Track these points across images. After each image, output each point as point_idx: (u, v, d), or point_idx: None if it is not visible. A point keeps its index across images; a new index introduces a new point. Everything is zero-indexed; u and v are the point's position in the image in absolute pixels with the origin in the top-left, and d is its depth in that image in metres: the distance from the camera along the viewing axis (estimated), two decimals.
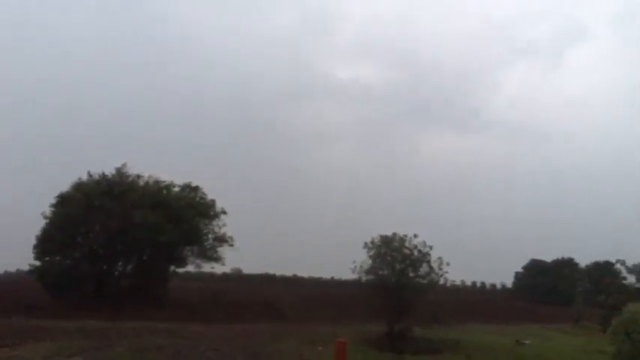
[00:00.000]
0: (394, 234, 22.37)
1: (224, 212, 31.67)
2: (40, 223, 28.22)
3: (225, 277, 63.52)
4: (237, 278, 67.34)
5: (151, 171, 31.49)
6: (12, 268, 51.34)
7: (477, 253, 74.96)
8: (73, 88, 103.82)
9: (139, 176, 30.64)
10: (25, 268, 29.28)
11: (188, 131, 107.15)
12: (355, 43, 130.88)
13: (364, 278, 22.20)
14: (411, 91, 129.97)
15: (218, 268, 39.97)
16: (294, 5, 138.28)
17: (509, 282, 77.33)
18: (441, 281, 22.34)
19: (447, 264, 21.66)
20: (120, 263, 30.03)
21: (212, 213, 31.47)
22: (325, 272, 73.86)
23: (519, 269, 72.82)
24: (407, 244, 22.06)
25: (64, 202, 28.49)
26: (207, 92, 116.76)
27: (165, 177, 31.63)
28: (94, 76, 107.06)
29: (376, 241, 22.26)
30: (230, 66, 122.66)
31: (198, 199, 31.71)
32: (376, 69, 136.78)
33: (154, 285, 30.04)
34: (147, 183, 30.82)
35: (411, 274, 21.92)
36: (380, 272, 22.17)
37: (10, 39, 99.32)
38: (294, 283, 69.57)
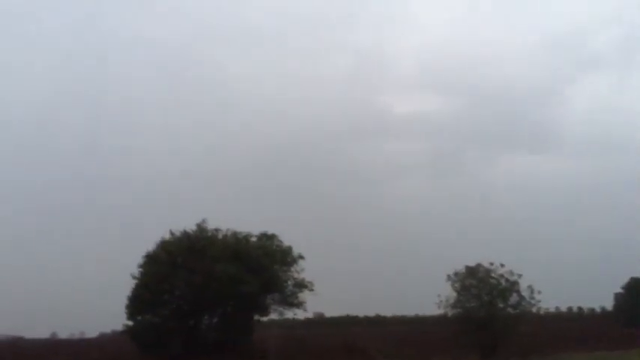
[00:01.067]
0: (479, 264, 21.60)
1: (301, 257, 31.84)
2: (130, 284, 29.57)
3: (307, 322, 63.24)
4: (319, 322, 66.94)
5: (228, 224, 32.32)
6: (107, 330, 53.66)
7: (571, 277, 70.75)
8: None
9: (217, 230, 31.50)
10: (119, 328, 30.49)
11: (257, 179, 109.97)
12: (414, 75, 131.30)
13: (450, 313, 21.44)
14: (474, 115, 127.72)
15: (300, 314, 39.85)
16: (348, 47, 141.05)
17: (609, 305, 72.02)
18: (534, 310, 21.18)
19: (539, 292, 20.58)
20: (206, 317, 30.64)
21: (289, 259, 31.72)
22: (409, 309, 72.06)
23: (619, 289, 67.67)
24: (493, 274, 21.19)
25: (150, 261, 29.69)
26: (269, 140, 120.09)
27: (241, 228, 32.37)
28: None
29: (460, 272, 21.53)
30: (291, 114, 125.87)
31: (275, 246, 32.12)
32: (439, 97, 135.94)
33: (239, 336, 30.32)
34: (225, 236, 31.61)
35: (501, 305, 20.96)
36: (467, 305, 21.34)
37: None
38: (377, 322, 68.20)
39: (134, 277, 29.63)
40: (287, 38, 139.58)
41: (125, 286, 29.53)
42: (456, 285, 21.22)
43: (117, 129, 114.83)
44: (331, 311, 68.40)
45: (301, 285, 31.59)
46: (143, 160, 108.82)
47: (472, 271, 21.28)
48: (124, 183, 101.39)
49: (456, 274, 21.40)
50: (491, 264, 20.99)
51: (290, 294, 31.67)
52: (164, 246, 30.28)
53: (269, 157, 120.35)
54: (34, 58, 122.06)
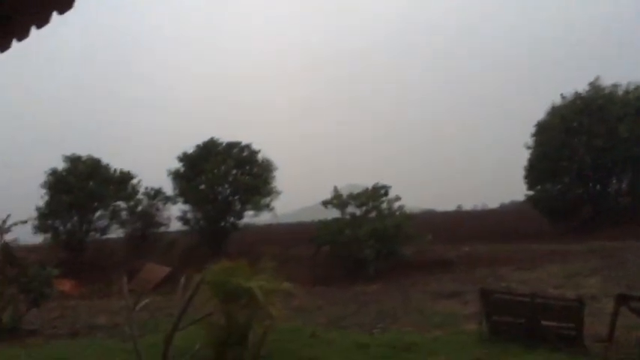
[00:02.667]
0: None
1: None
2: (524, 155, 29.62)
3: None
4: None
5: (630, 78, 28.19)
6: (506, 201, 55.83)
7: None
8: None
9: (615, 85, 27.88)
10: (518, 198, 31.14)
11: None
12: None
13: None
14: None
15: None
16: None
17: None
18: None
19: None
20: (613, 181, 28.27)
21: None
22: None
23: None
24: None
25: (543, 129, 28.83)
26: None
27: None
28: None
29: None
30: None
31: None
32: None
33: None
34: (626, 92, 27.72)
35: None
36: None
37: None
38: None
39: (528, 148, 29.42)
40: None
41: (513, 160, 29.70)
42: None
43: None
44: None
45: None
46: None
47: None
48: None
49: None
50: None
51: None
52: (556, 112, 28.75)
53: None
54: None
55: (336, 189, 24.56)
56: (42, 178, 28.27)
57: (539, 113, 30.01)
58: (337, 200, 24.03)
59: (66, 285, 22.08)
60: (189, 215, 28.93)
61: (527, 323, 10.73)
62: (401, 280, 19.45)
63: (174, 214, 29.76)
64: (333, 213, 24.59)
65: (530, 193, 29.45)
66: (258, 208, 28.64)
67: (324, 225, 23.96)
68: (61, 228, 27.95)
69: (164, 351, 4.27)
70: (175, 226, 30.21)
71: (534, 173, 28.95)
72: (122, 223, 29.56)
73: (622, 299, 9.77)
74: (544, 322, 10.52)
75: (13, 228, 22.98)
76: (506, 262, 19.89)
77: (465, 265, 20.12)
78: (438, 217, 42.82)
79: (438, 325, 12.88)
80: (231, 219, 28.78)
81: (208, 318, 10.39)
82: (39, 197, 28.10)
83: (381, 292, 17.93)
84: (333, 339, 12.06)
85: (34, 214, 27.37)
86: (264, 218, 32.45)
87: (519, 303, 11.33)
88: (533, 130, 29.56)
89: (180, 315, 4.38)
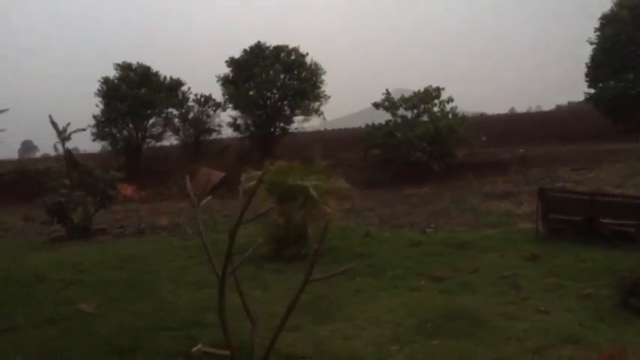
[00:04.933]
0: None
1: None
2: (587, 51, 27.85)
3: None
4: None
5: None
6: (563, 102, 53.51)
7: None
8: None
9: None
10: (577, 99, 29.68)
11: None
12: None
13: None
14: None
15: None
16: None
17: None
18: None
19: None
20: None
21: None
22: None
23: None
24: None
25: (607, 23, 26.82)
26: None
27: None
28: None
29: None
30: None
31: None
32: None
33: None
34: None
35: None
36: None
37: None
38: None
39: (591, 43, 27.58)
40: None
41: (574, 58, 27.96)
42: None
43: None
44: None
45: None
46: None
47: None
48: None
49: None
50: None
51: None
52: (624, 3, 26.52)
53: None
54: None
55: (387, 91, 24.03)
56: (96, 86, 28.94)
57: (606, 4, 27.84)
58: (389, 102, 23.58)
59: (127, 189, 23.17)
60: (240, 121, 29.24)
61: (585, 221, 10.57)
62: (453, 183, 19.33)
63: (225, 121, 30.17)
64: (384, 118, 24.25)
65: (591, 91, 28.02)
66: (307, 112, 28.58)
67: (374, 128, 23.74)
68: (118, 135, 28.90)
69: (229, 244, 4.41)
70: (227, 132, 30.73)
71: (597, 70, 27.37)
72: (175, 130, 30.26)
73: None
74: (603, 220, 10.34)
75: (73, 136, 23.94)
76: (563, 162, 19.40)
77: (519, 167, 19.72)
78: (491, 119, 41.74)
79: (492, 224, 12.87)
80: (281, 124, 28.93)
81: (266, 217, 10.73)
82: (94, 106, 28.95)
83: (432, 194, 17.95)
84: (386, 238, 12.31)
85: (92, 122, 28.35)
86: (313, 124, 32.47)
87: (578, 201, 11.13)
88: (597, 24, 27.56)
89: (243, 210, 4.47)
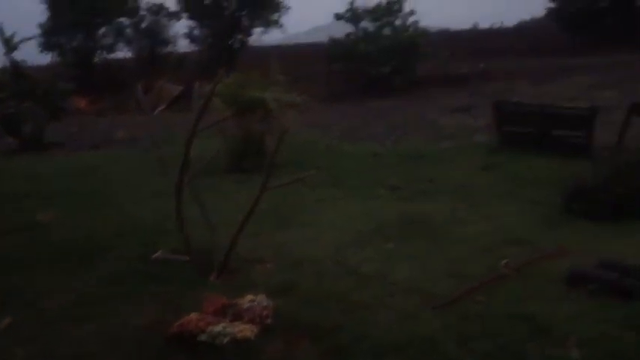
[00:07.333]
0: None
1: None
2: None
3: None
4: None
5: None
6: (526, 16, 53.07)
7: None
8: None
9: None
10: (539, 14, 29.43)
11: None
12: None
13: None
14: None
15: None
16: None
17: None
18: None
19: None
20: None
21: None
22: None
23: None
24: None
25: None
26: None
27: None
28: None
29: None
30: None
31: None
32: None
33: None
34: None
35: None
36: None
37: None
38: None
39: None
40: None
41: None
42: None
43: None
44: None
45: None
46: None
47: None
48: None
49: None
50: None
51: None
52: None
53: None
54: None
55: (351, 3, 23.28)
56: None
57: None
58: (351, 13, 22.95)
59: (81, 102, 22.33)
60: (196, 32, 28.08)
61: (537, 132, 10.92)
62: (415, 97, 19.41)
63: (181, 32, 28.92)
64: (347, 31, 23.65)
65: (552, 5, 27.85)
66: (267, 24, 27.64)
67: (337, 41, 23.22)
68: (67, 46, 27.40)
69: (184, 154, 4.38)
70: (184, 46, 29.53)
71: None
72: (128, 41, 28.86)
73: (636, 108, 9.72)
74: (554, 132, 10.69)
75: (20, 46, 22.55)
76: (523, 76, 19.58)
77: (480, 81, 19.87)
78: (454, 35, 41.21)
79: (449, 137, 13.15)
80: (239, 37, 27.95)
81: (223, 129, 10.61)
82: (40, 15, 27.13)
83: (394, 108, 18.00)
84: (347, 150, 12.45)
85: (38, 32, 26.68)
86: (275, 37, 31.47)
87: (530, 113, 11.47)
88: None
89: (197, 121, 4.42)
